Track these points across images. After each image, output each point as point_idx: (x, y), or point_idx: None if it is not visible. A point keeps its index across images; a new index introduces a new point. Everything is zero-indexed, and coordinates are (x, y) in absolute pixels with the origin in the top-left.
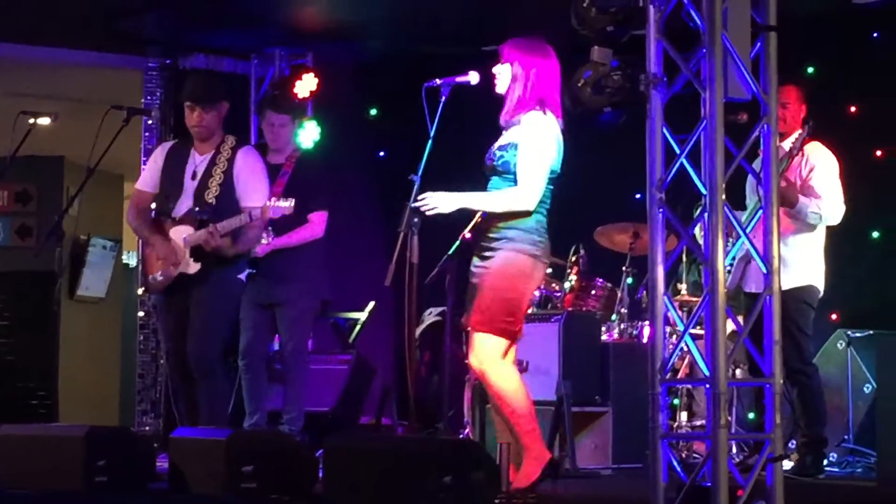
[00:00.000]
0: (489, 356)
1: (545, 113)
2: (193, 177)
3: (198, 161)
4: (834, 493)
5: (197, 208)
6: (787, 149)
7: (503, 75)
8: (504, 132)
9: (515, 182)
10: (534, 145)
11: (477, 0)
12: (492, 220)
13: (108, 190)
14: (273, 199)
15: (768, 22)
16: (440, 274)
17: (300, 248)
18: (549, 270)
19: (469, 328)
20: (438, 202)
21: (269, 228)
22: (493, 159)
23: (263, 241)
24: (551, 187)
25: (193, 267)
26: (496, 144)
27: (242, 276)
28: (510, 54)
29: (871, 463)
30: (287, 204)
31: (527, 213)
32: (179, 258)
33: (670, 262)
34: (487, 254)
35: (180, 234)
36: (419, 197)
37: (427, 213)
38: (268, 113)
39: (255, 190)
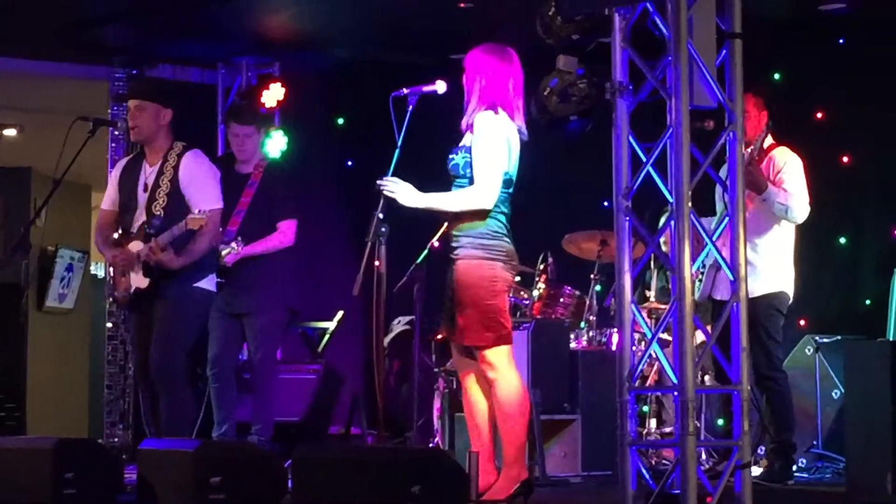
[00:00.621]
0: (499, 366)
1: (497, 112)
2: (145, 189)
3: (148, 172)
4: (803, 499)
5: (146, 222)
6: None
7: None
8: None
9: (470, 184)
10: (484, 143)
11: (443, 9)
12: (450, 227)
13: (76, 201)
14: (223, 245)
15: (734, 29)
16: (408, 283)
17: (269, 258)
18: (518, 278)
19: (443, 338)
20: (398, 190)
21: (239, 238)
22: (449, 162)
23: (232, 251)
24: (509, 191)
25: (143, 282)
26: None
27: (208, 284)
28: (467, 64)
29: (840, 468)
30: (235, 248)
31: (481, 218)
32: (134, 272)
33: (638, 269)
34: (451, 266)
35: (136, 249)
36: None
37: (383, 192)
38: (232, 124)
39: (203, 193)
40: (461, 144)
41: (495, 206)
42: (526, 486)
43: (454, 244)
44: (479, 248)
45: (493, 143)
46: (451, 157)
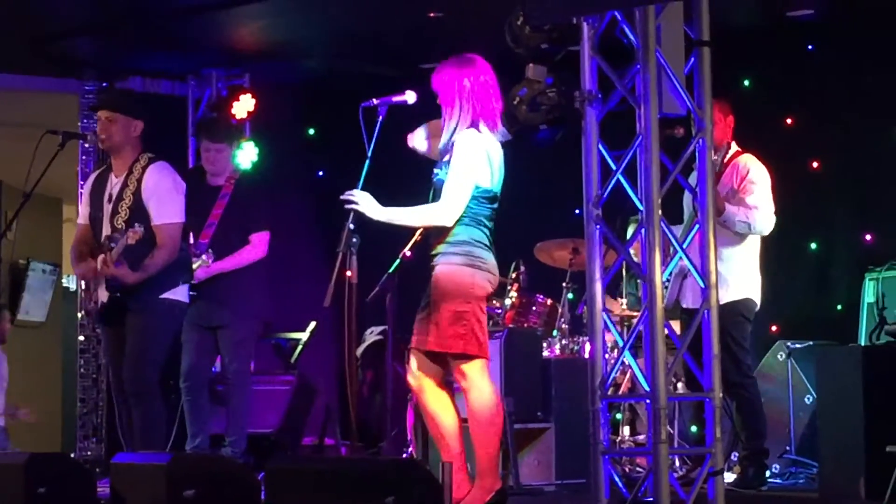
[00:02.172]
0: (471, 375)
1: (479, 130)
2: (109, 199)
3: (113, 183)
4: None
5: (108, 236)
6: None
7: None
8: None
9: None
10: (459, 162)
11: (413, 20)
12: (431, 237)
13: (47, 214)
14: (194, 258)
15: (702, 37)
16: (380, 293)
17: (242, 270)
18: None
19: (417, 350)
20: (363, 202)
21: (210, 251)
22: (434, 177)
23: (203, 264)
24: (494, 206)
25: (104, 295)
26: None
27: (179, 296)
28: (440, 84)
29: (813, 474)
30: (205, 261)
31: (457, 226)
32: (100, 288)
33: (609, 277)
34: (431, 276)
35: (100, 264)
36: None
37: (346, 205)
38: (204, 140)
39: (163, 207)
40: (445, 160)
41: (480, 220)
42: (500, 496)
43: (433, 252)
44: (461, 255)
45: (465, 164)
46: (436, 171)
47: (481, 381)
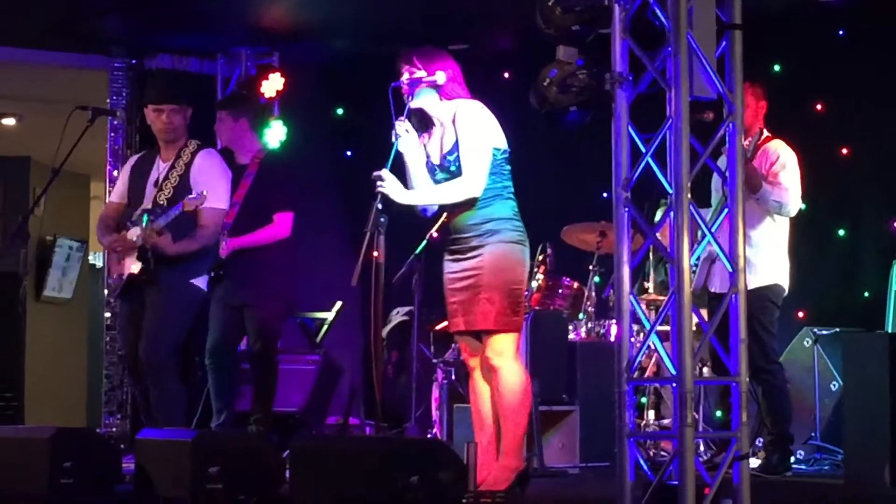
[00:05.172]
0: (508, 353)
1: (468, 98)
2: (156, 184)
3: (161, 168)
4: (800, 491)
5: (148, 210)
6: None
7: (422, 86)
8: (437, 137)
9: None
10: (469, 130)
11: (442, 1)
12: (459, 216)
13: (75, 190)
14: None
15: (734, 20)
16: (407, 273)
17: (267, 249)
18: None
19: (445, 333)
20: (389, 185)
21: (224, 233)
22: (448, 166)
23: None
24: (509, 167)
25: (136, 266)
26: (444, 151)
27: (201, 283)
28: (424, 64)
29: (838, 460)
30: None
31: (496, 202)
32: (128, 259)
33: (636, 260)
34: (473, 253)
35: (134, 235)
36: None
37: (376, 188)
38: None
39: (210, 191)
40: (453, 141)
41: (508, 187)
42: (523, 477)
43: (477, 232)
44: (513, 231)
45: (477, 129)
46: (450, 157)
47: (514, 362)
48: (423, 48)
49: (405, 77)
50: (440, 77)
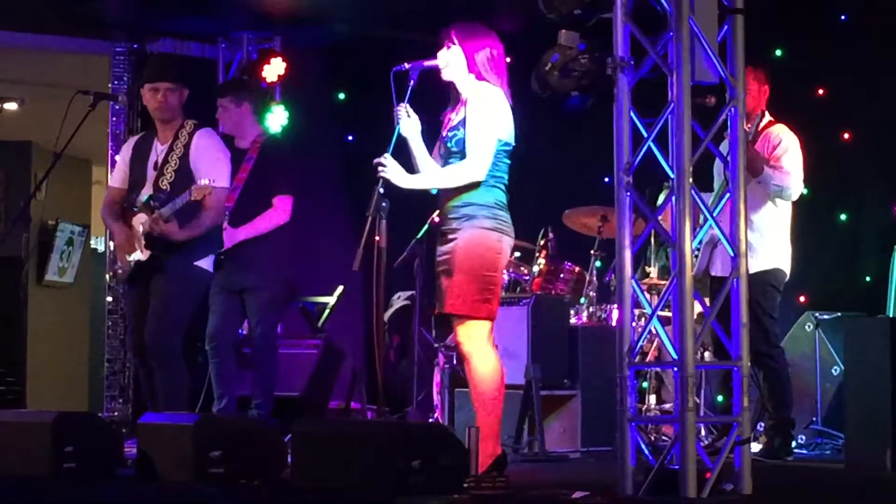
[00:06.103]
0: (478, 340)
1: (494, 84)
2: (155, 166)
3: (159, 150)
4: (802, 475)
5: (152, 196)
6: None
7: (451, 59)
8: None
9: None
10: (480, 115)
11: None
12: (447, 200)
13: (76, 175)
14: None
15: (735, 5)
16: (408, 258)
17: (267, 234)
18: (518, 254)
19: (441, 313)
20: (390, 170)
21: (226, 215)
22: (447, 141)
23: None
24: (508, 162)
25: (145, 254)
26: (448, 127)
27: (207, 265)
28: (457, 37)
29: (839, 445)
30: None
31: (479, 188)
32: (136, 247)
33: (638, 245)
34: (451, 236)
35: (139, 222)
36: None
37: (377, 172)
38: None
39: (211, 171)
40: (460, 119)
41: (499, 177)
42: (500, 463)
43: (455, 215)
44: (490, 219)
45: (487, 115)
46: (451, 133)
47: (486, 348)
48: (465, 23)
49: (442, 51)
50: (457, 61)
